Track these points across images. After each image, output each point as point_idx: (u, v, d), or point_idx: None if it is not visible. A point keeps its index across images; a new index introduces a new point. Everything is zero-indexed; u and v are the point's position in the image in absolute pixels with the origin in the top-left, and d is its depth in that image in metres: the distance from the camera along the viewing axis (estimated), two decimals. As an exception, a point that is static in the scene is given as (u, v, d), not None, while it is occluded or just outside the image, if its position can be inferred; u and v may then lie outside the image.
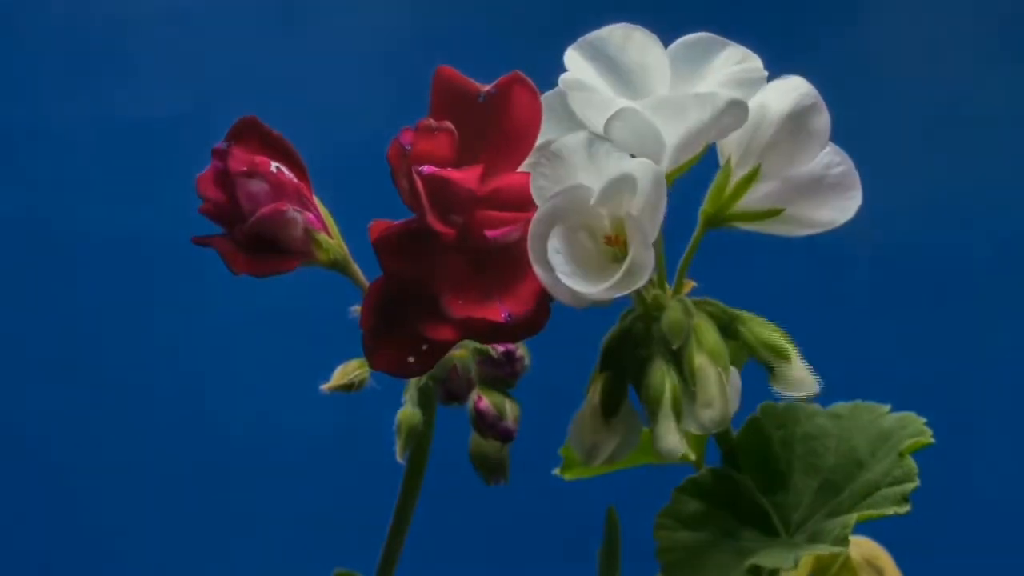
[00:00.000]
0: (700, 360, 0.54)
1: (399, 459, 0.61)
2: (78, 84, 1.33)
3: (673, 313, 0.55)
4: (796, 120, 0.55)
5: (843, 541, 0.55)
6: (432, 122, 0.54)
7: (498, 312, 0.52)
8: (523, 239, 0.53)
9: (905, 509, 0.56)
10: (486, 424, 0.61)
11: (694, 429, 0.54)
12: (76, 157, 1.32)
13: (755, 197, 0.56)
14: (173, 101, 1.32)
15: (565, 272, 0.51)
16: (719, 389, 0.54)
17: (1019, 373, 1.28)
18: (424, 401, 0.61)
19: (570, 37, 0.56)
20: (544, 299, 0.52)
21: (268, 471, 1.29)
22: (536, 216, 0.52)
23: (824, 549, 0.56)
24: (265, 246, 0.57)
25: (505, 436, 0.62)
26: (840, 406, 0.61)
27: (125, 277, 1.31)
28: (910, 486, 0.56)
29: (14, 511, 1.29)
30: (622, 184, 0.51)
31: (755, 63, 0.54)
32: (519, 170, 0.54)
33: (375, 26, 1.35)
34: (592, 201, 0.52)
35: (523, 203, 0.53)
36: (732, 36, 0.55)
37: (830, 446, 0.60)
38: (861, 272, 1.30)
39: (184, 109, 1.31)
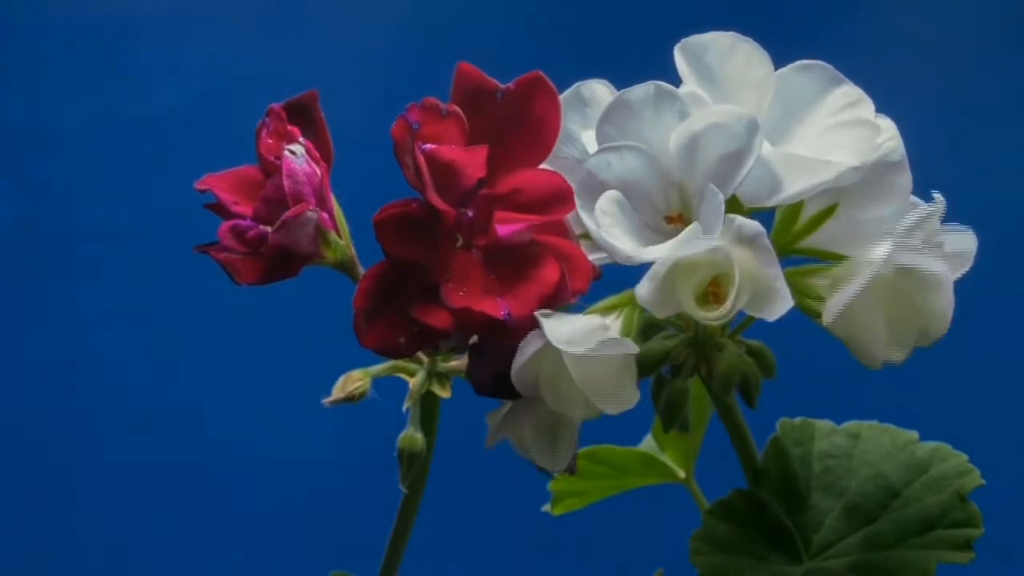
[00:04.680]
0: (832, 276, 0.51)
1: (402, 488, 0.60)
2: (79, 84, 1.33)
3: (730, 356, 0.52)
4: (878, 171, 0.52)
5: None
6: (439, 102, 0.53)
7: (498, 308, 0.51)
8: (534, 241, 0.52)
9: (970, 557, 0.54)
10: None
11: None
12: (77, 157, 1.32)
13: (825, 237, 0.53)
14: (173, 100, 1.32)
15: (608, 231, 0.49)
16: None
17: (1018, 375, 1.27)
18: (425, 414, 0.60)
19: (564, 35, 0.55)
20: (547, 305, 0.51)
21: (267, 472, 1.29)
22: (588, 166, 0.50)
23: None
24: (278, 252, 0.55)
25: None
26: (856, 425, 0.60)
27: (125, 277, 1.30)
28: (975, 533, 0.55)
29: (14, 511, 1.29)
30: (694, 146, 0.50)
31: (869, 110, 0.52)
32: (540, 167, 0.53)
33: (376, 25, 1.35)
34: (664, 165, 0.50)
35: (541, 202, 0.52)
36: (731, 29, 0.53)
37: (849, 467, 0.58)
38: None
39: (184, 109, 1.31)
